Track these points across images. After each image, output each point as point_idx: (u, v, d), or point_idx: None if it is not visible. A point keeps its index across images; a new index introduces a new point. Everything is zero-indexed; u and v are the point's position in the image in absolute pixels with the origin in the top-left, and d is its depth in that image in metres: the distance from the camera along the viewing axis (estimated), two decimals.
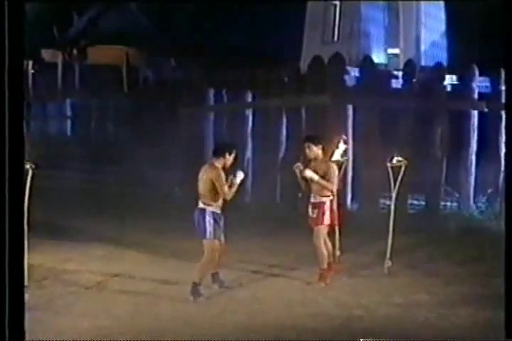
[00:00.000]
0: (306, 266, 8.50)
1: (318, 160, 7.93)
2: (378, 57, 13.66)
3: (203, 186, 7.52)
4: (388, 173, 8.18)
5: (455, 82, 12.68)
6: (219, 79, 14.68)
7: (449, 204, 12.39)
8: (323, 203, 7.96)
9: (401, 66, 14.11)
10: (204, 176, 7.53)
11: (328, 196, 7.99)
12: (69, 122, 22.85)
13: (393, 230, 8.30)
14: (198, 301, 7.26)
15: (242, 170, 7.66)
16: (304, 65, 14.59)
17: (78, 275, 8.28)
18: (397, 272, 8.34)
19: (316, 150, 7.94)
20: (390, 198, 12.55)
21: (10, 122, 4.49)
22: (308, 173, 7.85)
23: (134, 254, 9.43)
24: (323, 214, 7.94)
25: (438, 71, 12.41)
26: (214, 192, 7.43)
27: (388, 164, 8.22)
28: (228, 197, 7.49)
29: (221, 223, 7.56)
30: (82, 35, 25.53)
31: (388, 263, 8.25)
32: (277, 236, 10.48)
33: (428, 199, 12.25)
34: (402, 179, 8.24)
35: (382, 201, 12.16)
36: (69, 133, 22.64)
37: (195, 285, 7.36)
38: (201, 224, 7.47)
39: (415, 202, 12.45)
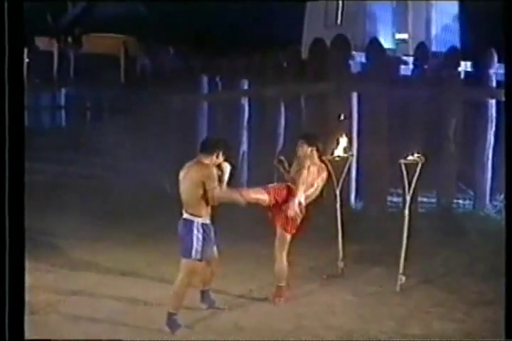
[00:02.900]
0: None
1: (301, 158, 6.54)
2: (385, 43, 12.23)
3: (188, 190, 5.83)
4: (401, 172, 6.63)
5: (470, 69, 11.20)
6: (213, 66, 13.36)
7: (461, 202, 10.95)
8: None
9: (410, 52, 12.83)
10: (190, 177, 5.84)
11: None
12: (63, 112, 21.42)
13: (407, 241, 6.75)
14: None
15: (229, 162, 6.01)
16: (304, 49, 13.22)
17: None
18: (411, 288, 6.80)
19: (309, 151, 6.53)
20: (398, 195, 11.46)
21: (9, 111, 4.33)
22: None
23: (101, 264, 7.85)
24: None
25: (452, 56, 10.89)
26: (204, 197, 5.77)
27: (402, 161, 6.66)
28: (219, 202, 5.84)
29: (212, 236, 5.94)
30: (77, 23, 24.23)
31: (401, 279, 6.71)
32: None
33: (439, 197, 10.82)
34: (418, 179, 6.70)
35: (389, 198, 10.91)
36: (64, 123, 21.22)
37: (171, 316, 5.79)
38: (186, 239, 5.82)
39: (425, 199, 11.00)
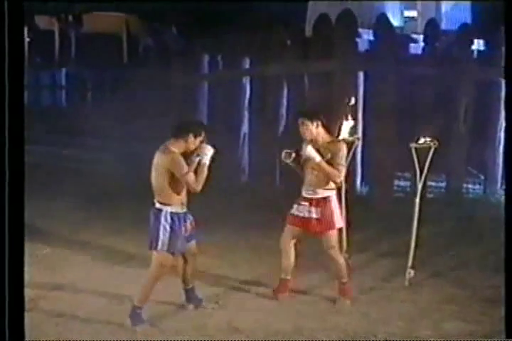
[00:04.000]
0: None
1: (319, 141, 5.76)
2: (393, 21, 11.62)
3: (155, 178, 5.30)
4: (412, 156, 6.01)
5: (482, 48, 10.57)
6: (214, 44, 12.67)
7: (471, 186, 10.50)
8: (329, 199, 5.81)
9: (419, 30, 12.16)
10: (156, 164, 5.30)
11: (334, 188, 5.84)
12: (64, 92, 20.87)
13: (417, 232, 6.15)
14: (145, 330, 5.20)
15: (211, 145, 5.38)
16: (308, 26, 12.58)
17: None
18: (421, 283, 6.20)
19: (314, 129, 5.74)
20: (405, 179, 10.91)
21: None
22: (310, 151, 5.62)
23: (88, 257, 7.22)
24: (332, 214, 5.79)
25: (463, 35, 10.24)
26: (173, 185, 5.23)
27: (412, 145, 6.02)
28: (198, 188, 5.25)
29: (183, 228, 5.33)
30: (78, 1, 23.57)
31: (410, 273, 6.10)
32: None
33: (449, 181, 10.28)
34: (430, 164, 6.08)
35: (396, 183, 10.45)
36: (64, 103, 20.67)
37: (135, 309, 5.26)
38: (153, 230, 5.29)
39: (433, 183, 10.43)
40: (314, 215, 5.75)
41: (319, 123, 5.71)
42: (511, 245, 4.56)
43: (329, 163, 5.64)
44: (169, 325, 5.29)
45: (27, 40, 21.86)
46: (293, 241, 5.94)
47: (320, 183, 5.76)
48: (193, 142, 5.29)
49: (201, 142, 5.34)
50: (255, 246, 7.62)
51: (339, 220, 5.81)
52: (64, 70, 21.38)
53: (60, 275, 6.45)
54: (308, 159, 5.67)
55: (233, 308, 5.62)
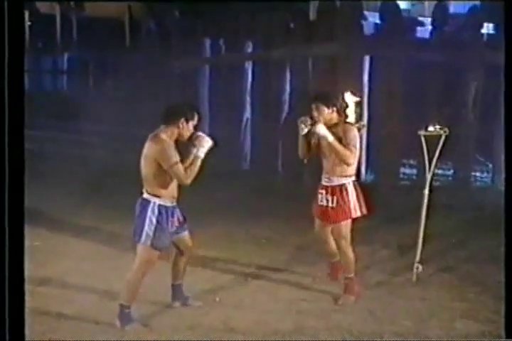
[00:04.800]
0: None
1: (330, 125, 5.33)
2: (400, 3, 11.23)
3: (144, 167, 4.87)
4: (421, 145, 5.63)
5: (492, 31, 10.14)
6: (215, 28, 12.42)
7: (479, 175, 10.28)
8: (345, 186, 5.44)
9: (426, 14, 11.77)
10: (145, 152, 4.87)
11: (351, 176, 5.47)
12: (65, 77, 20.54)
13: (425, 226, 5.78)
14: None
15: (209, 136, 4.90)
16: (312, 8, 12.19)
17: None
18: (429, 278, 5.85)
19: (329, 114, 5.34)
20: (411, 166, 10.57)
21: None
22: (322, 129, 5.24)
23: (79, 247, 6.81)
24: (349, 202, 5.41)
25: (473, 18, 9.86)
26: (162, 176, 4.81)
27: (421, 132, 5.63)
28: (186, 181, 4.79)
29: (170, 223, 4.91)
30: None
31: (418, 268, 5.74)
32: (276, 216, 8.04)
33: (456, 169, 10.00)
34: (440, 153, 5.70)
35: (401, 170, 10.26)
36: (65, 88, 20.34)
37: (123, 308, 4.89)
38: (138, 221, 4.89)
39: (440, 171, 10.08)
40: (330, 204, 5.38)
41: (334, 109, 5.34)
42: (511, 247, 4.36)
43: (341, 144, 5.26)
44: (161, 323, 4.95)
45: (28, 23, 21.52)
46: (327, 229, 5.59)
47: (335, 169, 5.38)
48: (186, 128, 4.86)
49: (195, 127, 4.93)
50: (255, 237, 7.30)
51: (356, 209, 5.39)
52: (66, 54, 21.07)
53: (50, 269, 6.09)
54: (322, 139, 5.27)
55: (230, 305, 5.26)
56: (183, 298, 5.29)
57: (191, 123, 4.88)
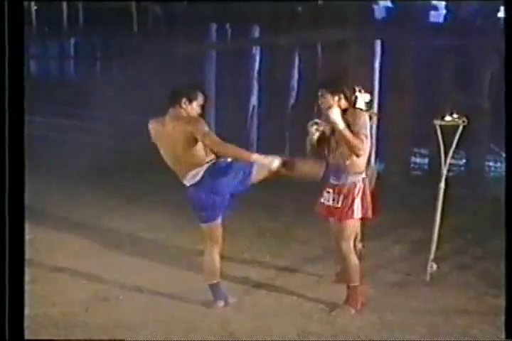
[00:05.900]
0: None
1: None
2: None
3: (182, 152, 4.77)
4: (437, 135, 5.22)
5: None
6: (222, 12, 12.08)
7: (493, 164, 9.95)
8: (354, 185, 4.96)
9: None
10: (178, 135, 4.72)
11: (361, 173, 5.03)
12: (72, 62, 20.34)
13: (441, 223, 5.38)
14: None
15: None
16: None
17: None
18: (444, 278, 5.46)
19: (336, 102, 4.86)
20: (422, 156, 10.20)
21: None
22: (336, 115, 4.75)
23: (79, 241, 6.50)
24: (353, 202, 4.95)
25: (489, 1, 9.46)
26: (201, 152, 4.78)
27: (437, 122, 5.21)
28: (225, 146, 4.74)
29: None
30: None
31: (433, 266, 5.33)
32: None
33: (469, 158, 9.68)
34: (457, 144, 5.30)
35: (412, 159, 9.98)
36: (72, 74, 20.16)
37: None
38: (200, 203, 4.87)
39: (453, 161, 9.71)
40: (336, 204, 4.93)
41: (341, 96, 4.91)
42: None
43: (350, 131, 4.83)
44: None
45: (34, 8, 21.33)
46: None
47: (343, 166, 4.89)
48: (190, 108, 4.76)
49: (202, 108, 4.82)
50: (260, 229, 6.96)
51: (359, 210, 4.92)
52: (72, 40, 20.87)
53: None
54: (332, 124, 4.84)
55: (230, 308, 4.90)
56: (223, 296, 5.03)
57: (195, 103, 4.77)
